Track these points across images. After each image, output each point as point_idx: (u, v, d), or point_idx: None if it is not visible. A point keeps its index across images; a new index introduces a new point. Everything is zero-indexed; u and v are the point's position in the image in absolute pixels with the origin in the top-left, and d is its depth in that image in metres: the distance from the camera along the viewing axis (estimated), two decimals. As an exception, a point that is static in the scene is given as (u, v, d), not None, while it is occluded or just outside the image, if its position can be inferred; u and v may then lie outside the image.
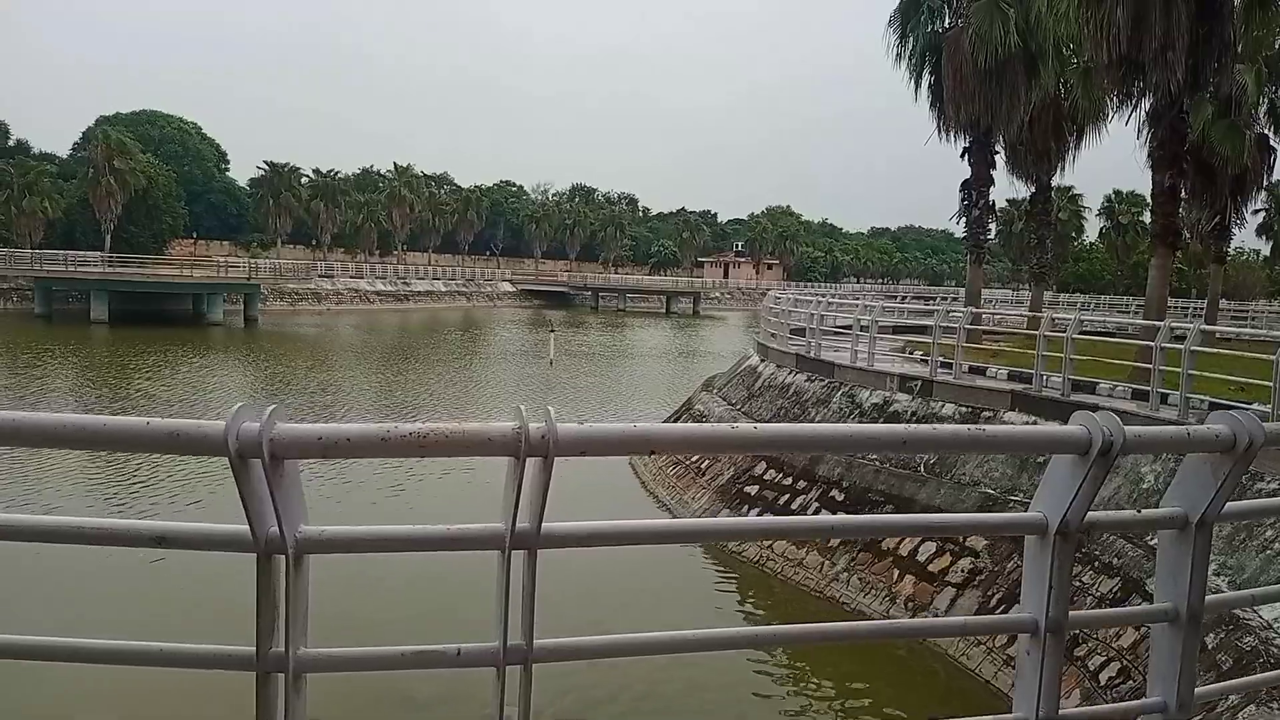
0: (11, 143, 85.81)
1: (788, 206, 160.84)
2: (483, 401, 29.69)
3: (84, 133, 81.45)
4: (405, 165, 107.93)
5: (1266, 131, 27.53)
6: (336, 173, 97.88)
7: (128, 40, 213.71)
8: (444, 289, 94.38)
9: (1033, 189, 29.67)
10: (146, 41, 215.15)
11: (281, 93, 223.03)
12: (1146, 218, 75.78)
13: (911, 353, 19.49)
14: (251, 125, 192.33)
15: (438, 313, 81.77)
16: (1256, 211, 40.43)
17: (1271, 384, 9.44)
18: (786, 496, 14.33)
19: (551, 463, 1.93)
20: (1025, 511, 2.44)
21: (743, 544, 13.88)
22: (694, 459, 17.85)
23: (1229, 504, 2.52)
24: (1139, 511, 2.57)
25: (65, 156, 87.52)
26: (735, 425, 2.05)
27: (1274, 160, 28.35)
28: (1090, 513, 2.44)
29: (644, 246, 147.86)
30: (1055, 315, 15.27)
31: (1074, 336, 12.45)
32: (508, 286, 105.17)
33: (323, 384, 32.35)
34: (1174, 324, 11.62)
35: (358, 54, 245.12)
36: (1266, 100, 26.67)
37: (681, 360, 48.83)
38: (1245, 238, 76.34)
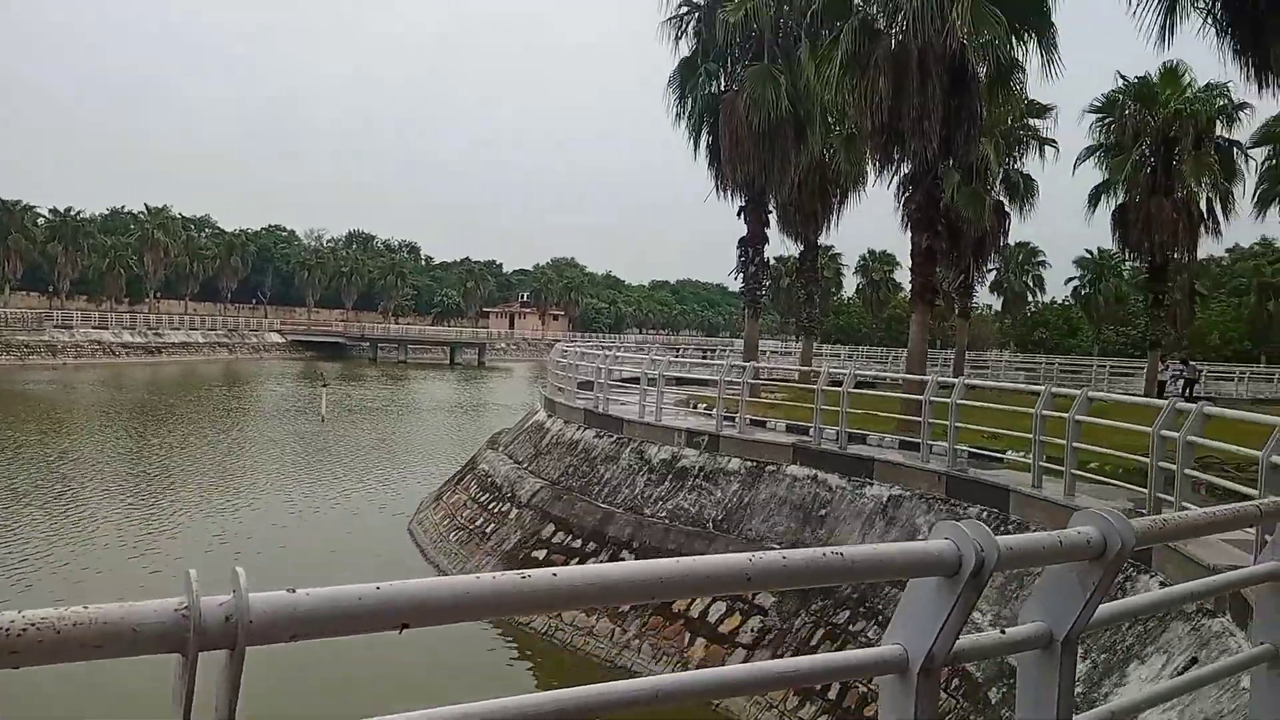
0: None
1: (572, 258, 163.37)
2: (249, 471, 27.12)
3: None
4: (160, 206, 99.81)
5: (1002, 199, 30.60)
6: (79, 212, 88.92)
7: None
8: (202, 340, 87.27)
9: (802, 247, 31.38)
10: None
11: (21, 122, 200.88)
12: (897, 275, 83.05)
13: (696, 406, 19.64)
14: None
15: (195, 366, 75.40)
16: (990, 270, 44.95)
17: (1031, 435, 9.98)
18: (576, 559, 13.76)
19: (242, 654, 1.26)
20: (878, 646, 1.99)
21: (529, 614, 13.15)
22: (478, 523, 16.96)
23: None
24: (1003, 632, 2.20)
25: None
26: (528, 575, 1.46)
27: (1008, 224, 31.58)
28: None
29: (427, 296, 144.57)
30: (831, 369, 15.83)
31: (849, 391, 12.84)
32: (276, 338, 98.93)
33: (62, 451, 28.48)
34: (940, 379, 12.22)
35: (114, 85, 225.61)
36: (1002, 171, 29.66)
37: (467, 414, 47.46)
38: (980, 294, 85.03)
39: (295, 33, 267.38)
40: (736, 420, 14.88)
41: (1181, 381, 30.64)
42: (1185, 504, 7.50)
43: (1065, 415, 9.26)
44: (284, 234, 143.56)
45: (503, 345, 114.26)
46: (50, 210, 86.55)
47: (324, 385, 46.20)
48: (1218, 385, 37.52)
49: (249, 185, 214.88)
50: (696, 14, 25.14)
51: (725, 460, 14.03)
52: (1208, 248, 37.74)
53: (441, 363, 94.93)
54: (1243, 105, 28.49)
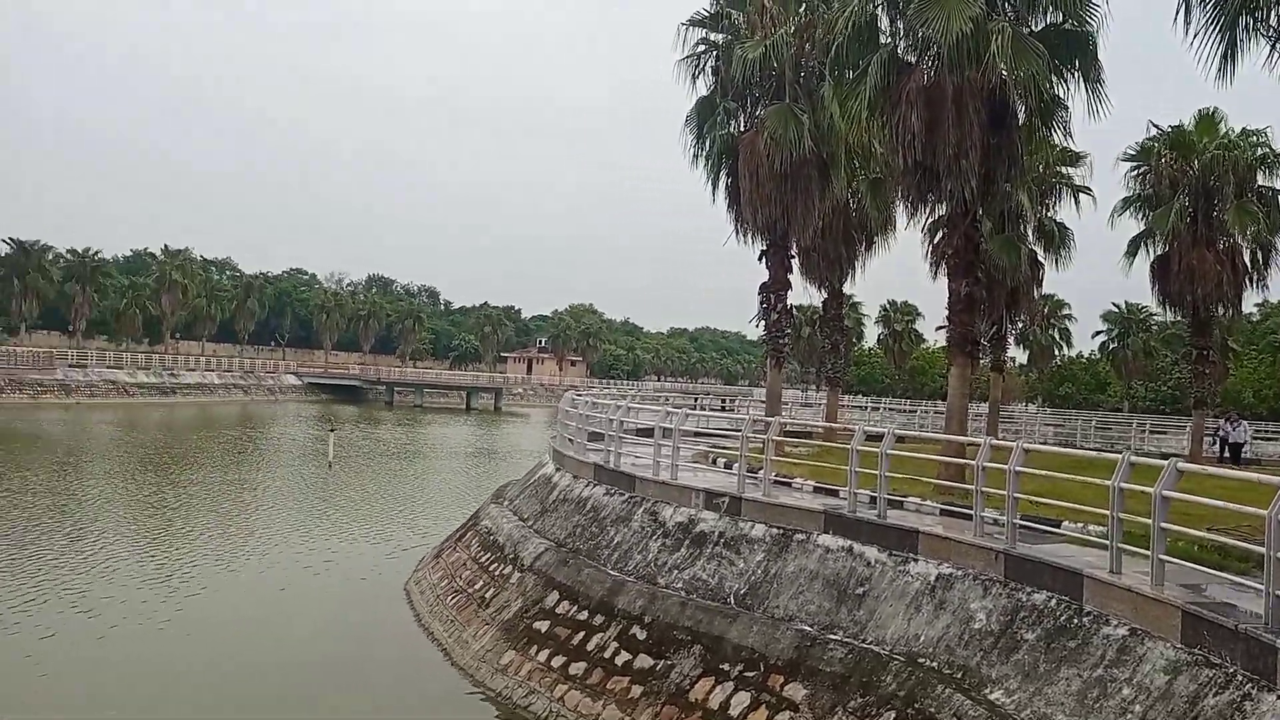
0: None
1: (590, 305, 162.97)
2: (250, 518, 25.89)
3: None
4: (180, 249, 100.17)
5: (1035, 248, 29.31)
6: (97, 253, 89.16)
7: None
8: (218, 381, 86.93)
9: (825, 294, 30.14)
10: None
11: (58, 171, 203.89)
12: (919, 325, 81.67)
13: (715, 461, 18.31)
14: (31, 206, 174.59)
15: (209, 407, 74.75)
16: (1018, 322, 43.45)
17: (1094, 507, 8.64)
18: (582, 634, 12.39)
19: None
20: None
21: (529, 697, 11.78)
22: (478, 586, 15.63)
23: None
24: None
25: None
26: None
27: (1042, 274, 30.22)
28: None
29: (445, 340, 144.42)
30: (866, 426, 14.49)
31: (889, 452, 11.49)
32: (293, 379, 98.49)
33: (72, 496, 27.36)
34: (993, 442, 10.87)
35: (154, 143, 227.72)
36: (1035, 219, 28.40)
37: (479, 460, 46.24)
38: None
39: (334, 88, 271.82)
40: (760, 479, 13.52)
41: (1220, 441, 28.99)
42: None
43: (1149, 489, 7.92)
44: (305, 277, 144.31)
45: (519, 390, 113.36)
46: (69, 250, 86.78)
47: (332, 430, 45.14)
48: (1260, 446, 35.69)
49: (275, 229, 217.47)
50: (714, 52, 24.19)
51: (748, 526, 12.67)
52: (1249, 301, 35.97)
53: (457, 407, 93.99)
54: (1286, 150, 27.25)
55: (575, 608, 13.02)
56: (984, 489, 10.26)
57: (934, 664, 9.06)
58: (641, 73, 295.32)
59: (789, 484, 14.68)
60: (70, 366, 71.60)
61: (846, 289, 30.63)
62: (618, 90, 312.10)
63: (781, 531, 12.21)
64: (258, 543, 21.94)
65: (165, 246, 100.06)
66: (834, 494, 13.44)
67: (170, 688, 12.46)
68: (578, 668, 11.82)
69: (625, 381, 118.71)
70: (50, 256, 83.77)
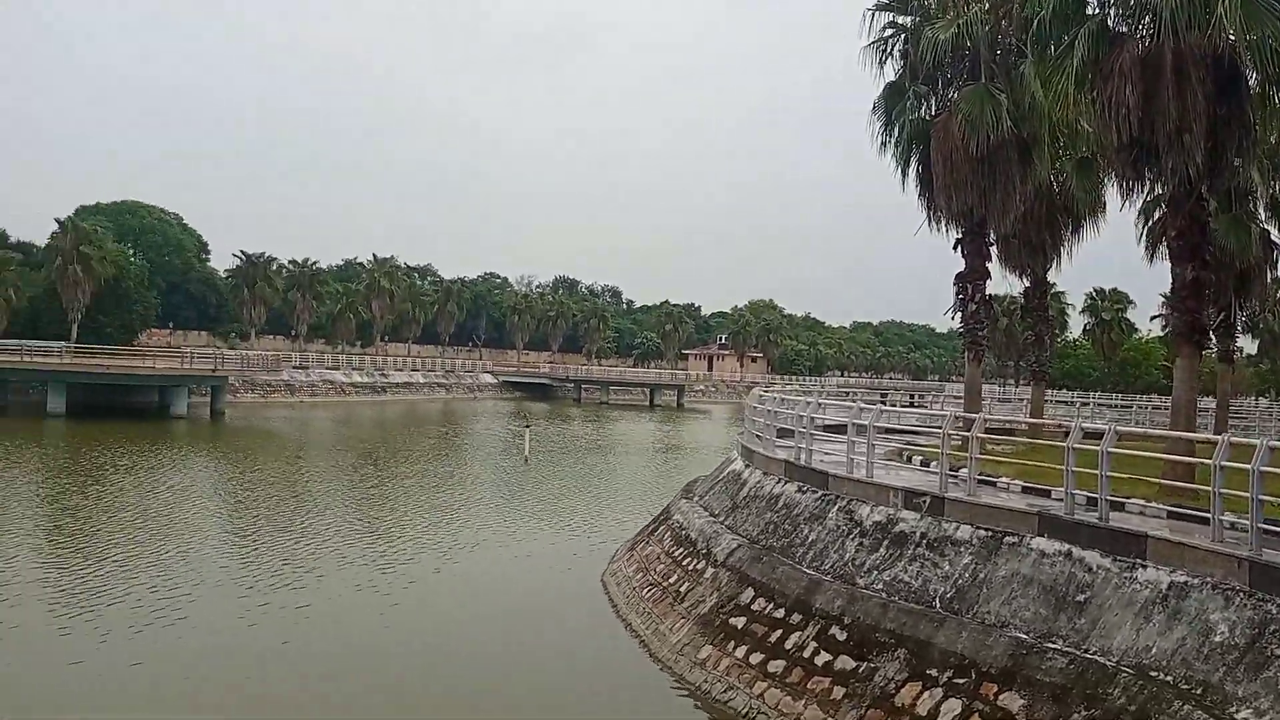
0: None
1: (770, 300, 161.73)
2: (459, 509, 27.49)
3: (60, 222, 79.49)
4: (386, 257, 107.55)
5: (1268, 228, 26.57)
6: (315, 263, 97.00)
7: (119, 125, 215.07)
8: (423, 380, 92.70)
9: (1026, 283, 28.57)
10: (137, 127, 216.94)
11: (285, 186, 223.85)
12: (1130, 314, 75.74)
13: (910, 459, 17.76)
14: (252, 218, 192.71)
15: (416, 405, 79.75)
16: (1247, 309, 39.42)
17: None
18: (779, 632, 12.36)
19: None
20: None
21: (729, 693, 11.86)
22: (672, 580, 15.89)
23: None
24: None
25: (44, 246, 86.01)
26: None
27: (1276, 257, 27.37)
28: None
29: (627, 338, 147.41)
30: (1080, 423, 13.58)
31: (1110, 450, 10.75)
32: (489, 378, 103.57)
33: (304, 487, 30.14)
34: (1232, 439, 9.94)
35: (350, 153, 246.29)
36: (1268, 195, 25.71)
37: (665, 456, 46.94)
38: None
39: (501, 102, 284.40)
40: (963, 479, 13.01)
41: None
42: None
43: None
44: (498, 281, 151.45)
45: (701, 387, 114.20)
46: (290, 261, 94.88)
47: (528, 426, 47.13)
48: None
49: (468, 237, 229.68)
50: (902, 35, 23.44)
51: (952, 527, 12.21)
52: None
53: (641, 404, 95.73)
54: None
55: (771, 605, 12.99)
56: (1222, 490, 9.44)
57: (1168, 678, 8.43)
58: (824, 64, 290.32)
59: (993, 484, 14.03)
60: (294, 368, 78.25)
61: (1050, 277, 28.93)
62: (803, 85, 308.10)
63: (990, 533, 11.69)
64: (465, 533, 23.23)
65: (374, 255, 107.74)
66: (1045, 495, 12.75)
67: (386, 668, 13.41)
68: (776, 665, 11.79)
69: (807, 377, 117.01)
70: (274, 267, 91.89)
